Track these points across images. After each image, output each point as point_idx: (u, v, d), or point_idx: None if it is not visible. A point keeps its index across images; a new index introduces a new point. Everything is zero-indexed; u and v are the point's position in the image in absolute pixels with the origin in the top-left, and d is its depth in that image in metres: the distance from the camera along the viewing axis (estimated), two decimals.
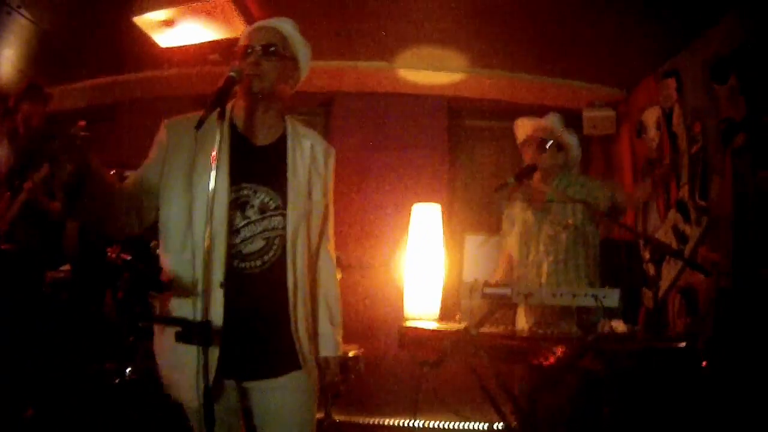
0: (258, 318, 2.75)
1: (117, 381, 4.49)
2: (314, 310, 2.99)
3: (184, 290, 2.68)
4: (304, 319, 2.82)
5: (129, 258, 4.76)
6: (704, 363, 3.56)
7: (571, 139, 4.65)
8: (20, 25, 5.13)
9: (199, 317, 2.47)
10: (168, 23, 5.15)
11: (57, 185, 2.68)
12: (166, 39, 5.46)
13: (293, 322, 2.77)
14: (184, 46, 5.56)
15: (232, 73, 2.61)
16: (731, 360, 4.07)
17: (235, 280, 2.67)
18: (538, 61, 6.29)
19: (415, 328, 4.08)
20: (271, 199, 2.79)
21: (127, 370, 4.51)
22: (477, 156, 7.28)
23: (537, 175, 4.44)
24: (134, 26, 5.23)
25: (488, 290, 3.67)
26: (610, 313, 3.61)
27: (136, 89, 6.66)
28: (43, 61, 5.76)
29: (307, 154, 2.93)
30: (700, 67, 5.27)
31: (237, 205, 2.74)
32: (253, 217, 2.76)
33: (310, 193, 2.89)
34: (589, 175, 4.94)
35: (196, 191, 2.65)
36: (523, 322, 4.29)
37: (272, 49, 2.82)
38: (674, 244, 5.55)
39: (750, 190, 4.66)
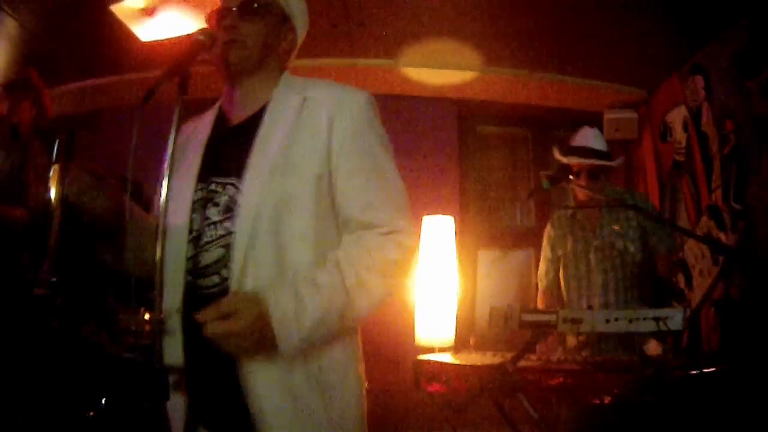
0: (215, 359, 1.98)
1: (90, 414, 4.06)
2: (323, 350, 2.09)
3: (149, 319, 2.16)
4: (273, 371, 1.98)
5: (54, 279, 4.36)
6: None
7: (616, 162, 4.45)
8: (1, 22, 4.84)
9: (162, 354, 1.89)
10: (147, 11, 4.77)
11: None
12: (146, 31, 5.07)
13: (243, 374, 1.98)
14: (167, 39, 5.13)
15: (200, 36, 2.06)
16: None
17: (193, 303, 2.01)
18: (555, 59, 5.94)
19: (433, 361, 3.50)
20: (238, 192, 2.10)
21: (102, 401, 4.08)
22: (490, 164, 6.89)
23: (581, 192, 4.23)
24: (117, 24, 4.88)
25: (528, 317, 3.16)
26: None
27: (122, 94, 6.22)
28: (25, 62, 5.40)
29: (292, 117, 2.16)
30: (729, 61, 4.94)
31: (201, 204, 2.13)
32: (215, 218, 2.09)
33: (289, 168, 2.08)
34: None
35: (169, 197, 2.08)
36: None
37: (254, 6, 2.22)
38: (708, 254, 5.15)
39: None
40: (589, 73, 6.17)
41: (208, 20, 2.27)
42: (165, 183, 1.87)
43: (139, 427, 4.01)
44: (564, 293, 4.36)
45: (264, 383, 1.98)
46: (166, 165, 1.88)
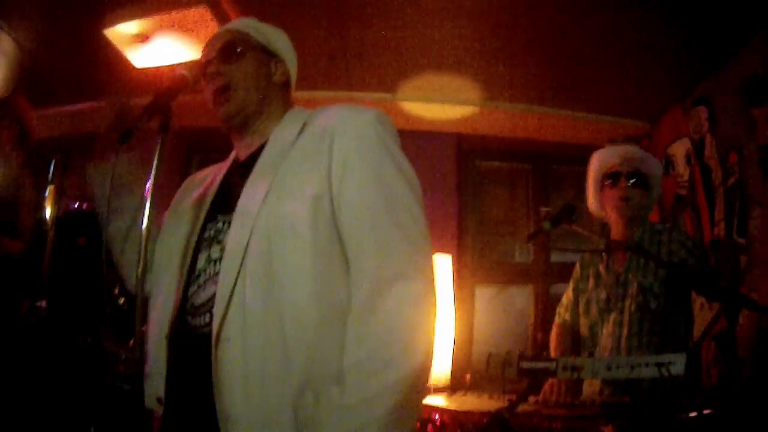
0: (195, 399, 1.89)
1: None
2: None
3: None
4: (254, 425, 1.78)
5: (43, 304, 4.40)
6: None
7: (656, 169, 4.00)
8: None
9: (151, 391, 1.94)
10: (142, 38, 4.75)
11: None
12: (141, 58, 5.05)
13: (221, 414, 1.81)
14: (162, 67, 5.12)
15: (183, 71, 2.05)
16: None
17: (181, 343, 1.98)
18: (555, 92, 5.91)
19: (427, 405, 3.35)
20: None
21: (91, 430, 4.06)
22: (490, 199, 6.88)
23: (616, 220, 3.90)
24: (113, 48, 4.88)
25: (526, 364, 3.09)
26: None
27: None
28: (20, 82, 5.43)
29: (290, 141, 2.08)
30: (733, 91, 4.89)
31: (208, 243, 2.07)
32: (214, 256, 2.01)
33: (283, 196, 1.94)
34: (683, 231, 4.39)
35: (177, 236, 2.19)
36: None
37: (235, 49, 2.21)
38: None
39: None
40: (590, 107, 6.15)
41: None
42: (146, 219, 1.84)
43: None
44: (580, 330, 4.19)
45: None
46: (147, 200, 1.86)
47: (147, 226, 1.83)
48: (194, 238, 2.08)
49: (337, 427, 1.70)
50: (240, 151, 2.27)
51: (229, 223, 2.00)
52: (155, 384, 1.96)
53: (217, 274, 1.94)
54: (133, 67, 5.17)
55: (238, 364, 1.81)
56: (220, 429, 1.79)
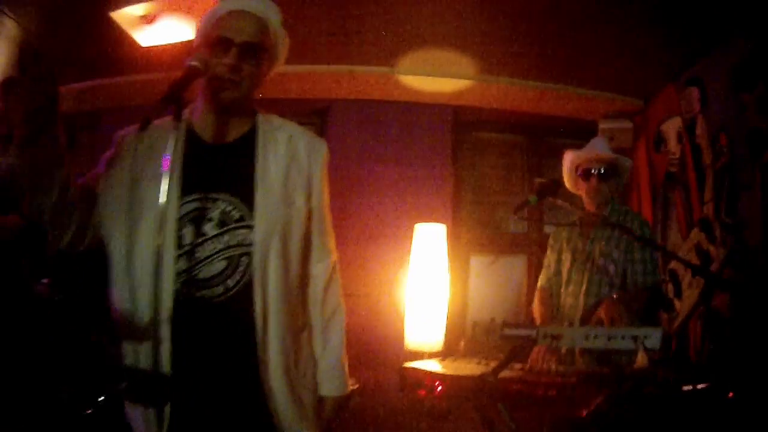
0: (220, 361, 2.25)
1: (89, 411, 4.06)
2: (301, 342, 2.45)
3: (130, 330, 2.20)
4: (281, 362, 2.29)
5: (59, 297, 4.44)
6: (731, 394, 3.16)
7: (624, 162, 4.46)
8: (2, 23, 4.83)
9: (148, 363, 2.02)
10: (147, 19, 4.82)
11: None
12: (146, 37, 5.11)
13: (263, 366, 2.26)
14: (167, 45, 5.17)
15: (194, 62, 2.15)
16: (759, 387, 3.71)
17: (190, 313, 2.20)
18: (552, 68, 5.94)
19: (419, 369, 3.59)
20: (234, 209, 2.30)
21: (99, 399, 4.11)
22: (484, 171, 6.94)
23: (588, 202, 4.31)
24: (117, 27, 4.91)
25: (508, 331, 3.24)
26: None
27: (121, 95, 6.24)
28: (24, 63, 5.45)
29: (283, 150, 2.42)
30: (725, 75, 4.93)
31: (190, 219, 2.26)
32: (211, 233, 2.27)
33: (288, 198, 2.38)
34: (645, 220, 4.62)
35: (142, 207, 2.20)
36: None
37: (257, 53, 2.35)
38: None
39: None
40: (585, 82, 6.18)
41: (201, 35, 2.39)
42: (162, 195, 1.99)
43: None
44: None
45: (276, 373, 2.29)
46: (163, 181, 1.98)
47: (165, 202, 2.00)
48: (171, 213, 2.20)
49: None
50: (211, 130, 2.41)
51: (214, 200, 2.30)
52: (157, 352, 2.10)
53: (221, 251, 2.26)
54: (137, 45, 5.21)
55: (273, 315, 2.30)
56: (259, 368, 2.27)
